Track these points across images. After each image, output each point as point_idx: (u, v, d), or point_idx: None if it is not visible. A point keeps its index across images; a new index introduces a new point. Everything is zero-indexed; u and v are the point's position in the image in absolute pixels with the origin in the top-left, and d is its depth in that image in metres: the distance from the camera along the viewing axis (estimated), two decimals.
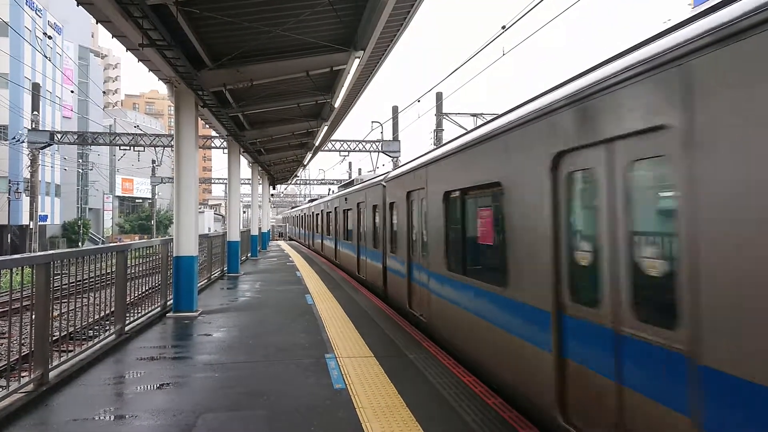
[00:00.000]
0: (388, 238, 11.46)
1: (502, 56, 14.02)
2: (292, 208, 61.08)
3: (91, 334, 7.14)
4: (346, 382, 5.73)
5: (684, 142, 2.98)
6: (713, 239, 2.80)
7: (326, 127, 17.74)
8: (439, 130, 27.70)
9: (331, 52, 10.24)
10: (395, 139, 33.28)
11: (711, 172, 2.81)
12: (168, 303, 10.31)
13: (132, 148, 33.74)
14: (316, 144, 21.55)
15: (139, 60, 9.29)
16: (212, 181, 65.83)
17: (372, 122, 35.99)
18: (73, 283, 6.54)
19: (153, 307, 9.82)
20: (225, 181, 40.60)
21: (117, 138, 34.68)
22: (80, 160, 60.47)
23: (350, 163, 59.75)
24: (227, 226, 18.64)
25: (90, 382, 5.87)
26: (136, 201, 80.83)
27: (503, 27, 11.38)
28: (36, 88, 34.72)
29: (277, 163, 28.62)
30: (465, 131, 7.48)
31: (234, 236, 17.91)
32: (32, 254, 8.07)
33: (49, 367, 5.66)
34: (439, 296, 7.74)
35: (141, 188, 77.50)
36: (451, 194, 7.26)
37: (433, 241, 7.94)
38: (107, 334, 7.47)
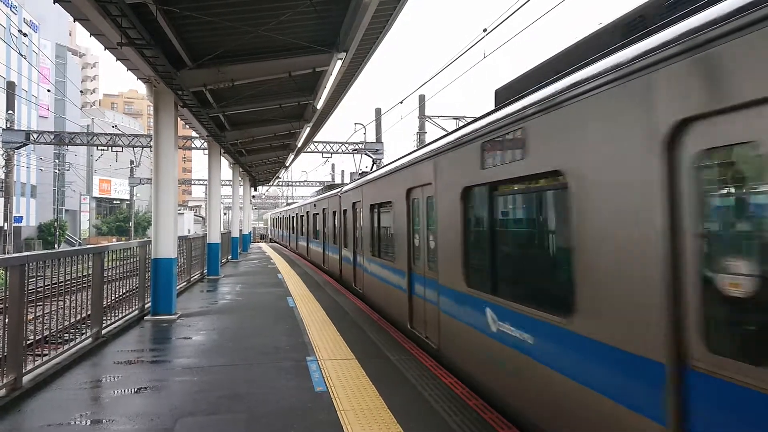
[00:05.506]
0: (342, 236, 14.89)
1: (483, 59, 14.16)
2: (274, 210, 60.74)
3: (67, 338, 7.02)
4: (328, 385, 5.71)
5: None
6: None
7: (308, 129, 17.67)
8: (421, 132, 27.79)
9: (314, 53, 10.20)
10: (378, 140, 33.32)
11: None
12: (146, 306, 10.17)
13: (110, 148, 33.19)
14: (299, 145, 21.44)
15: (118, 59, 9.15)
16: (192, 182, 65.12)
17: (355, 124, 35.98)
18: (48, 285, 6.42)
19: (131, 310, 9.68)
20: (205, 183, 40.19)
21: (95, 138, 34.09)
22: (57, 161, 59.32)
23: (333, 165, 59.73)
24: (207, 227, 18.45)
25: (66, 387, 5.75)
26: (114, 202, 79.39)
27: (485, 30, 11.48)
28: (11, 86, 34.00)
29: (259, 164, 28.40)
30: (389, 161, 10.99)
31: (214, 238, 17.74)
32: (6, 256, 7.90)
33: (23, 371, 5.55)
34: (367, 272, 11.38)
35: (119, 189, 76.19)
36: (374, 206, 10.59)
37: (365, 236, 11.37)
38: (83, 337, 7.34)
